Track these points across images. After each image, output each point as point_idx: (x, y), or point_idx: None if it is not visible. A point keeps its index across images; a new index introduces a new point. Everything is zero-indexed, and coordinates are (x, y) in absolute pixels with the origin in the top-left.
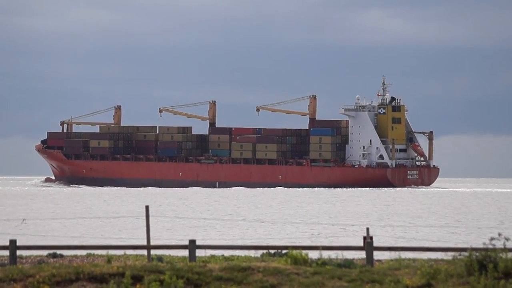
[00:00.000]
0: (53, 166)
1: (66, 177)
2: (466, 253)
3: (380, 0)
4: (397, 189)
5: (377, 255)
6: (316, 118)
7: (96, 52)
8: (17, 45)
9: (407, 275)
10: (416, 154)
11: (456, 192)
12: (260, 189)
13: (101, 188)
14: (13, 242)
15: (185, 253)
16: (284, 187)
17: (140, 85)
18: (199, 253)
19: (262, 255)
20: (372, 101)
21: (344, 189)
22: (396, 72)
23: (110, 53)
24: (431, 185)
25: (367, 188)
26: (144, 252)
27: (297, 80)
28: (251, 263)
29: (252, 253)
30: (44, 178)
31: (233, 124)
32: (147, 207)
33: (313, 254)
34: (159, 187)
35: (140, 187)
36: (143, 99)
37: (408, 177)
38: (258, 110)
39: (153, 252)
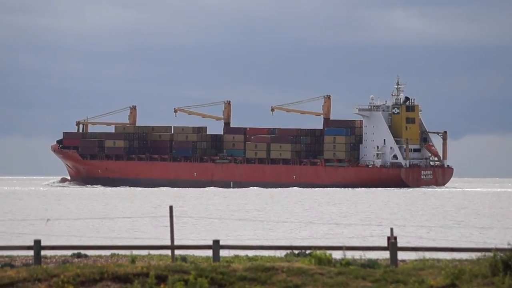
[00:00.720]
0: (68, 166)
1: (82, 177)
2: (490, 254)
3: (398, 0)
4: (414, 189)
5: (401, 255)
6: (331, 118)
7: (112, 52)
8: (34, 44)
9: (432, 276)
10: (430, 154)
11: (472, 192)
12: (279, 189)
13: (121, 188)
14: (37, 242)
15: (209, 253)
16: (298, 187)
17: (156, 85)
18: (223, 253)
19: (286, 255)
20: (386, 101)
21: (363, 189)
22: (410, 72)
23: (126, 53)
24: (445, 185)
25: (388, 188)
26: (168, 252)
27: (312, 79)
28: (275, 263)
29: (276, 253)
30: (59, 178)
31: (247, 124)
32: (171, 207)
33: (337, 254)
34: (174, 187)
35: (155, 187)
36: (159, 99)
37: (422, 177)
38: (272, 110)
39: (177, 252)
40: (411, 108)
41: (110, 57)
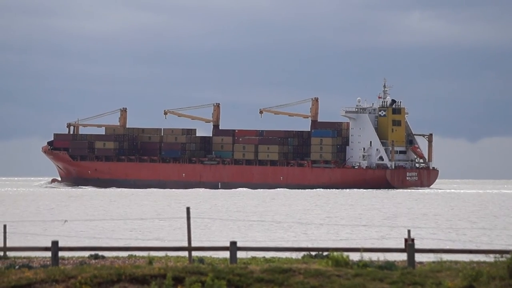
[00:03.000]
0: (59, 167)
1: (72, 178)
2: (508, 255)
3: (397, 2)
4: (399, 190)
5: (418, 257)
6: (318, 120)
7: (110, 54)
8: (34, 45)
9: (449, 277)
10: (415, 156)
11: (461, 194)
12: (293, 191)
13: (132, 189)
14: (55, 243)
15: (226, 254)
16: (286, 188)
17: (146, 87)
18: (240, 254)
19: (303, 257)
20: (373, 104)
21: (371, 190)
22: (397, 74)
23: (121, 55)
24: (430, 187)
25: (387, 190)
26: (185, 253)
27: (302, 81)
28: (292, 265)
29: (293, 255)
30: (50, 179)
31: (236, 126)
32: (188, 209)
33: (354, 256)
34: (163, 188)
35: (144, 188)
36: (149, 101)
37: (407, 178)
38: (261, 112)
39: (194, 253)
40: (397, 111)
41: (107, 59)
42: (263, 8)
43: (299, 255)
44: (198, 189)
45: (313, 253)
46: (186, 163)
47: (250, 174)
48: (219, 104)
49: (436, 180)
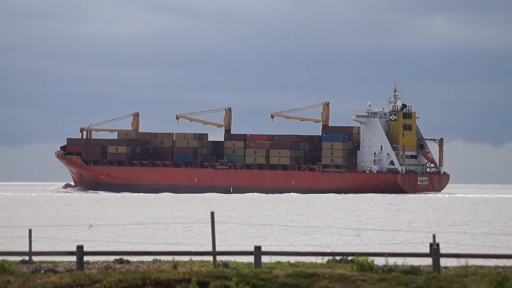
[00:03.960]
0: (72, 172)
1: (85, 183)
2: None
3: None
4: (409, 195)
5: (443, 262)
6: (329, 125)
7: (120, 59)
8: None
9: (474, 282)
10: (426, 161)
11: (478, 198)
12: (315, 195)
13: (154, 194)
14: (80, 248)
15: (250, 259)
16: (297, 192)
17: (159, 92)
18: (265, 259)
19: (328, 261)
20: (383, 108)
21: (392, 195)
22: (409, 78)
23: (134, 59)
24: (441, 191)
25: (403, 194)
26: (210, 258)
27: (313, 85)
28: (316, 269)
29: (318, 259)
30: (63, 184)
31: (248, 131)
32: (212, 213)
33: (379, 261)
34: (175, 192)
35: (156, 192)
36: (161, 106)
37: (419, 183)
38: (272, 116)
39: (219, 258)
40: (408, 115)
41: (120, 63)
42: (276, 12)
43: (323, 259)
44: (225, 194)
45: (338, 258)
46: (198, 167)
47: (262, 179)
48: (230, 108)
49: (447, 185)
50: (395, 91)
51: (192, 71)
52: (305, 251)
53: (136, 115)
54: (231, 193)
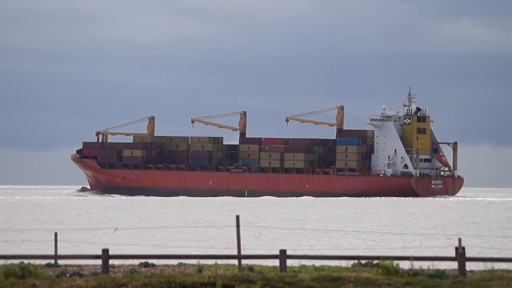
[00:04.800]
0: (88, 175)
1: (101, 186)
2: None
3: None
4: (424, 198)
5: (469, 265)
6: (344, 128)
7: (137, 63)
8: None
9: (501, 286)
10: (440, 164)
11: (497, 202)
12: (337, 198)
13: (175, 197)
14: (105, 251)
15: (275, 263)
16: (311, 196)
17: (174, 95)
18: (290, 262)
19: (353, 265)
20: (398, 112)
21: (410, 198)
22: (424, 82)
23: (151, 64)
24: (455, 195)
25: (422, 198)
26: (235, 261)
27: (328, 89)
28: (342, 273)
29: (343, 263)
30: (79, 187)
31: (263, 134)
32: (237, 217)
33: (404, 265)
34: (190, 196)
35: (171, 195)
36: (177, 109)
37: (433, 186)
38: (287, 120)
39: (244, 261)
40: (422, 119)
41: (138, 67)
42: (299, 17)
43: (349, 263)
44: (243, 198)
45: (363, 262)
46: (213, 171)
47: (276, 182)
48: (245, 112)
49: (461, 188)
50: (409, 94)
51: (207, 75)
52: (330, 254)
53: (151, 119)
54: (246, 197)
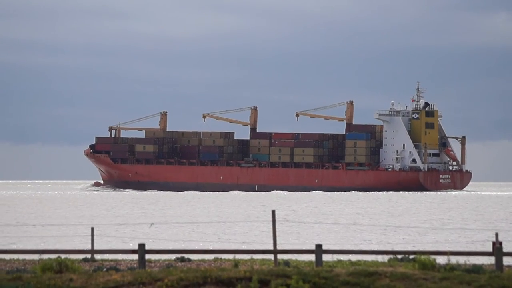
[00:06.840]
0: (101, 170)
1: (114, 181)
2: None
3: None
4: (431, 192)
5: (506, 260)
6: (353, 123)
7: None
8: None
9: None
10: (448, 159)
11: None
12: (371, 193)
13: (210, 192)
14: (142, 246)
15: (311, 257)
16: (320, 190)
17: (188, 90)
18: (326, 257)
19: (389, 260)
20: (406, 106)
21: (439, 193)
22: (433, 76)
23: (164, 58)
24: (463, 189)
25: (442, 192)
26: (271, 256)
27: (337, 84)
28: (378, 268)
29: (379, 257)
30: (93, 182)
31: (273, 129)
32: (273, 212)
33: (440, 259)
34: (201, 190)
35: (183, 190)
36: (189, 105)
37: (441, 181)
38: (297, 115)
39: (280, 256)
40: (430, 114)
41: (151, 62)
42: (305, 13)
43: (385, 258)
44: (256, 192)
45: (399, 256)
46: (224, 166)
47: (286, 177)
48: (256, 107)
49: (469, 183)
50: (418, 89)
51: (219, 70)
52: (366, 249)
53: (164, 114)
54: (256, 191)
